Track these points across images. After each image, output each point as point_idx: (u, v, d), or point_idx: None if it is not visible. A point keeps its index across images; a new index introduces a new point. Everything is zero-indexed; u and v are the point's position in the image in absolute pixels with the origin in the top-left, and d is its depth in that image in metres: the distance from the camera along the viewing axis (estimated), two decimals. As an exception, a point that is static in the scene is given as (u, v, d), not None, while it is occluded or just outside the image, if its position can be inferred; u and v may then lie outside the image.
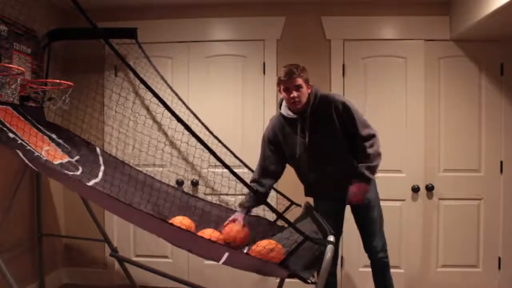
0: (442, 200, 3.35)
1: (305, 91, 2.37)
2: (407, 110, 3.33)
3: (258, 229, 2.42)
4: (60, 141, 2.68)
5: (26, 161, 2.12)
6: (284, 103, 2.51)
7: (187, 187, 3.45)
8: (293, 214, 2.45)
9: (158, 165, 3.42)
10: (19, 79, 2.71)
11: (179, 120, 1.63)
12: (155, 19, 3.49)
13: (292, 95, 2.33)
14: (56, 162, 2.30)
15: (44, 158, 2.26)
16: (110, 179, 2.43)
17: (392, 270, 3.29)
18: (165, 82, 3.30)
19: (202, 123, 3.16)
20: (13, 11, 2.79)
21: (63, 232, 3.60)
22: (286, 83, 2.34)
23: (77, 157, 2.57)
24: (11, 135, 2.32)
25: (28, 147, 2.28)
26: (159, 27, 3.48)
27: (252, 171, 2.90)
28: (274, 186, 2.72)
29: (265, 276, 1.80)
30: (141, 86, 3.45)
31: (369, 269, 2.63)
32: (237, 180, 1.64)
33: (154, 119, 3.52)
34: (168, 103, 1.67)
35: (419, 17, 3.32)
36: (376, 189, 2.58)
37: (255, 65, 3.46)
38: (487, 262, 3.33)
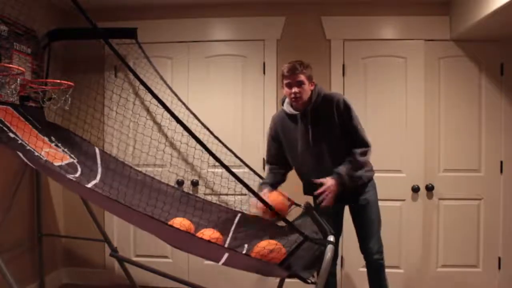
0: (442, 200, 3.35)
1: (307, 88, 2.38)
2: (407, 110, 3.33)
3: (258, 229, 2.42)
4: (60, 142, 2.68)
5: (26, 160, 2.12)
6: (286, 100, 2.52)
7: (187, 187, 3.45)
8: (293, 214, 2.45)
9: (158, 165, 3.42)
10: (19, 79, 2.71)
11: (178, 121, 1.63)
12: (155, 19, 3.49)
13: (293, 91, 2.35)
14: (56, 163, 2.30)
15: (44, 159, 2.26)
16: (109, 181, 2.42)
17: (392, 270, 3.32)
18: (165, 82, 3.30)
19: (202, 123, 3.17)
20: (13, 11, 2.79)
21: (63, 232, 3.60)
22: (288, 78, 2.36)
23: (76, 158, 2.57)
24: (11, 135, 2.33)
25: (28, 147, 2.28)
26: (159, 27, 3.48)
27: (253, 170, 2.90)
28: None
29: (265, 276, 1.80)
30: (141, 86, 3.47)
31: (369, 269, 2.63)
32: (236, 181, 1.64)
33: (154, 120, 3.52)
34: (168, 103, 1.68)
35: (419, 17, 3.32)
36: (376, 191, 2.58)
37: (255, 65, 3.46)
38: (487, 262, 3.33)
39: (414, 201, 3.33)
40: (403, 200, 3.33)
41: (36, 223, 3.19)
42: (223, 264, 1.69)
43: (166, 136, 3.49)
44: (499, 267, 3.32)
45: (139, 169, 2.90)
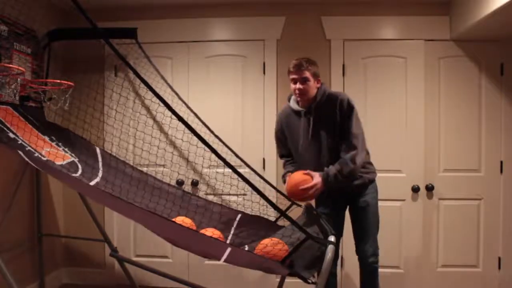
0: (442, 200, 3.35)
1: (312, 84, 2.40)
2: (407, 110, 3.33)
3: (259, 228, 2.42)
4: (60, 141, 2.68)
5: (27, 159, 2.12)
6: (293, 96, 2.55)
7: (187, 187, 3.45)
8: (294, 215, 2.44)
9: (159, 164, 3.42)
10: (19, 79, 2.71)
11: (180, 118, 1.63)
12: (155, 19, 3.49)
13: (297, 87, 2.39)
14: (58, 162, 2.30)
15: (45, 158, 2.26)
16: (111, 179, 2.43)
17: (392, 270, 3.33)
18: (165, 81, 3.30)
19: (203, 123, 3.16)
20: (13, 11, 2.79)
21: (63, 232, 3.60)
22: (294, 74, 2.40)
23: (77, 158, 2.57)
24: (11, 135, 2.33)
25: (28, 148, 2.28)
26: (159, 27, 3.48)
27: (253, 170, 2.91)
28: (275, 185, 2.74)
29: (266, 273, 1.80)
30: (142, 86, 3.47)
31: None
32: (239, 179, 1.65)
33: (154, 119, 3.52)
34: (168, 103, 1.67)
35: (419, 17, 3.32)
36: (377, 194, 2.59)
37: (255, 65, 3.46)
38: (487, 262, 3.33)
39: (414, 201, 3.33)
40: (403, 200, 3.34)
41: (36, 223, 3.18)
42: (225, 261, 1.68)
43: (167, 135, 3.49)
44: (499, 267, 3.32)
45: (140, 168, 2.90)
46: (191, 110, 3.23)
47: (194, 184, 3.47)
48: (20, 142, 2.30)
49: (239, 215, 2.63)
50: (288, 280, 2.50)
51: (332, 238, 1.77)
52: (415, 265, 3.34)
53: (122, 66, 3.50)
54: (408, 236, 3.34)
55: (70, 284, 3.59)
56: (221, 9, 3.45)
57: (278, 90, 3.43)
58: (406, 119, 3.33)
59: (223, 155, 1.70)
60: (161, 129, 3.51)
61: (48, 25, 3.19)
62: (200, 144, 1.68)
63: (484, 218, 3.33)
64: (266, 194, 1.74)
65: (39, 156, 2.26)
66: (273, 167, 3.42)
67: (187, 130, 1.68)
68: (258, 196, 1.70)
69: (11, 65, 2.62)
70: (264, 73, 3.45)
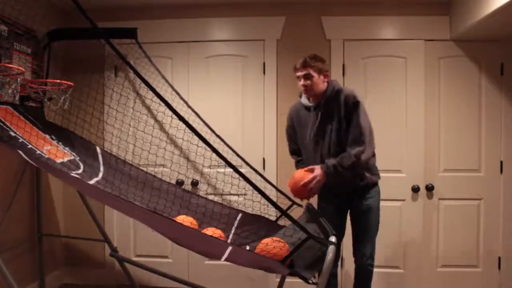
0: (442, 200, 3.35)
1: (317, 80, 2.43)
2: (407, 110, 3.33)
3: (260, 228, 2.42)
4: (61, 141, 2.68)
5: (27, 159, 2.12)
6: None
7: (187, 186, 3.45)
8: (295, 214, 2.45)
9: (159, 164, 3.41)
10: (19, 79, 2.71)
11: (182, 119, 1.63)
12: (155, 19, 3.49)
13: (301, 83, 2.45)
14: (58, 161, 2.30)
15: (46, 157, 2.26)
16: (111, 178, 2.44)
17: (392, 270, 3.34)
18: (166, 81, 3.30)
19: (205, 122, 3.16)
20: (13, 11, 2.79)
21: (63, 232, 3.59)
22: (297, 72, 2.46)
23: (78, 157, 2.57)
24: (12, 134, 2.32)
25: (30, 146, 2.28)
26: (159, 27, 3.48)
27: (254, 170, 2.91)
28: (275, 185, 2.74)
29: (267, 272, 1.80)
30: (142, 86, 3.48)
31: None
32: (240, 179, 1.65)
33: (155, 119, 3.52)
34: (169, 102, 1.67)
35: (419, 17, 3.32)
36: (379, 197, 2.60)
37: (255, 65, 3.46)
38: (487, 262, 3.33)
39: (414, 201, 3.33)
40: (403, 200, 3.34)
41: (36, 223, 3.18)
42: (226, 259, 1.68)
43: (167, 134, 3.49)
44: (499, 267, 3.32)
45: (140, 168, 2.90)
46: (193, 110, 3.23)
47: (194, 184, 3.47)
48: (21, 140, 2.30)
49: (240, 215, 2.63)
50: (288, 280, 2.50)
51: (333, 239, 1.77)
52: (415, 265, 3.34)
53: (122, 66, 3.50)
54: (408, 236, 3.34)
55: (70, 284, 3.58)
56: (221, 9, 3.45)
57: (278, 90, 3.43)
58: (406, 119, 3.33)
59: (224, 155, 1.70)
60: (161, 128, 3.51)
61: (48, 25, 3.19)
62: (201, 143, 1.68)
63: (484, 218, 3.33)
64: (267, 193, 1.75)
65: (40, 154, 2.26)
66: (273, 167, 3.42)
67: (187, 130, 1.69)
68: (259, 196, 1.70)
69: (11, 65, 2.62)
70: (264, 73, 3.45)
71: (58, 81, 2.99)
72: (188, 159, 3.48)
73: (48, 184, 3.42)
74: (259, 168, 3.31)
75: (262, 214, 2.68)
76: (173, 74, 3.51)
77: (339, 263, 3.14)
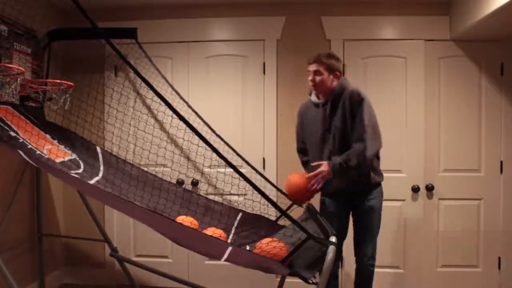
0: (442, 200, 3.35)
1: (326, 78, 2.46)
2: (407, 110, 3.33)
3: (260, 228, 2.42)
4: (61, 141, 2.68)
5: (27, 159, 2.12)
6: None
7: (187, 186, 3.45)
8: (295, 214, 2.45)
9: (160, 164, 3.41)
10: (19, 79, 2.71)
11: (182, 119, 1.63)
12: (155, 19, 3.49)
13: (310, 79, 2.50)
14: (58, 160, 2.30)
15: (46, 157, 2.26)
16: (112, 178, 2.44)
17: (392, 270, 3.34)
18: (166, 81, 3.29)
19: (205, 122, 3.16)
20: (13, 11, 2.79)
21: (63, 232, 3.59)
22: (308, 66, 2.52)
23: (78, 156, 2.57)
24: (12, 133, 2.32)
25: (30, 146, 2.28)
26: (159, 27, 3.48)
27: (255, 169, 2.91)
28: (275, 185, 2.75)
29: (266, 273, 1.80)
30: (142, 85, 3.48)
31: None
32: (240, 179, 1.65)
33: (155, 118, 3.52)
34: (169, 102, 1.67)
35: (419, 17, 3.32)
36: (382, 198, 2.60)
37: (255, 65, 3.46)
38: (487, 262, 3.33)
39: (414, 201, 3.33)
40: (403, 200, 3.34)
41: (36, 223, 3.18)
42: (226, 260, 1.68)
43: (167, 134, 3.49)
44: (499, 267, 3.32)
45: (140, 168, 2.90)
46: (193, 110, 3.23)
47: (194, 183, 3.47)
48: (21, 140, 2.30)
49: (240, 214, 2.64)
50: (288, 280, 2.50)
51: (333, 239, 1.77)
52: (415, 265, 3.34)
53: (123, 66, 3.50)
54: (408, 236, 3.34)
55: (70, 284, 3.58)
56: (221, 9, 3.45)
57: (278, 90, 3.43)
58: (406, 119, 3.33)
59: (224, 155, 1.70)
60: (162, 128, 3.51)
61: (48, 25, 3.19)
62: (201, 143, 1.68)
63: (484, 218, 3.33)
64: (267, 193, 1.75)
65: (40, 154, 2.26)
66: (273, 167, 3.42)
67: (188, 130, 1.69)
68: (259, 196, 1.70)
69: (11, 65, 2.62)
70: (264, 73, 3.45)
71: (58, 81, 2.99)
72: (188, 158, 3.48)
73: (48, 184, 3.42)
74: (259, 168, 3.30)
75: (262, 214, 2.68)
76: (173, 74, 3.51)
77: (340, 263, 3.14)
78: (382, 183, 2.60)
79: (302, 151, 2.78)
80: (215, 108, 3.45)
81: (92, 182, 2.28)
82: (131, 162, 2.96)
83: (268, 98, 3.44)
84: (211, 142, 1.72)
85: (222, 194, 3.43)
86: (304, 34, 3.41)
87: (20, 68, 2.50)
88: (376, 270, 2.64)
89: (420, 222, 3.33)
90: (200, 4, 3.44)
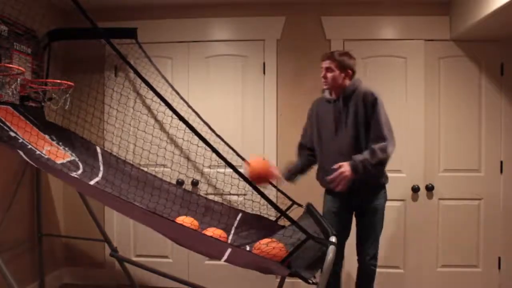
0: (442, 200, 3.35)
1: (337, 75, 2.49)
2: (407, 110, 3.33)
3: (260, 228, 2.42)
4: (61, 141, 2.68)
5: (27, 159, 2.12)
6: None
7: (187, 186, 3.45)
8: (294, 215, 2.45)
9: (160, 164, 3.42)
10: (19, 79, 2.71)
11: (182, 119, 1.63)
12: (155, 19, 3.49)
13: (321, 75, 2.53)
14: (58, 161, 2.30)
15: (46, 157, 2.26)
16: (112, 179, 2.44)
17: (392, 270, 3.34)
18: (166, 81, 3.29)
19: (205, 122, 3.16)
20: (13, 11, 2.79)
21: (63, 232, 3.59)
22: (321, 62, 2.55)
23: (77, 157, 2.57)
24: (12, 134, 2.32)
25: (30, 146, 2.28)
26: (159, 27, 3.48)
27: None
28: (275, 185, 2.74)
29: (266, 274, 1.80)
30: (142, 85, 3.48)
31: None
32: (240, 179, 1.65)
33: (155, 118, 3.52)
34: (169, 102, 1.67)
35: (419, 17, 3.32)
36: (386, 200, 2.61)
37: (255, 65, 3.46)
38: (487, 262, 3.33)
39: (414, 201, 3.33)
40: (403, 200, 3.34)
41: (36, 223, 3.18)
42: (226, 260, 1.68)
43: (167, 134, 3.49)
44: (499, 267, 3.32)
45: (140, 168, 2.90)
46: (193, 110, 3.23)
47: (194, 184, 3.47)
48: (20, 141, 2.30)
49: (240, 215, 2.64)
50: (288, 280, 2.50)
51: (333, 239, 1.77)
52: (415, 265, 3.34)
53: (123, 66, 3.50)
54: (408, 236, 3.34)
55: (70, 284, 3.58)
56: (221, 9, 3.45)
57: (278, 90, 3.43)
58: (406, 119, 3.33)
59: (224, 155, 1.70)
60: (162, 128, 3.51)
61: (48, 25, 3.19)
62: (201, 143, 1.68)
63: (484, 218, 3.33)
64: (266, 194, 1.74)
65: (40, 155, 2.26)
66: (273, 167, 3.42)
67: (187, 130, 1.69)
68: (259, 196, 1.70)
69: (11, 65, 2.62)
70: (264, 73, 3.45)
71: (58, 81, 2.99)
72: (188, 159, 3.48)
73: (48, 184, 3.42)
74: (259, 168, 3.30)
75: (262, 214, 2.68)
76: (173, 74, 3.51)
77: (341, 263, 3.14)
78: (387, 185, 2.60)
79: (301, 147, 2.78)
80: (215, 108, 3.45)
81: (92, 183, 2.28)
82: (131, 162, 2.96)
83: (268, 98, 3.44)
84: (211, 142, 1.72)
85: (222, 194, 3.43)
86: (304, 34, 3.41)
87: (20, 68, 2.50)
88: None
89: (420, 222, 3.33)
90: (200, 4, 3.44)
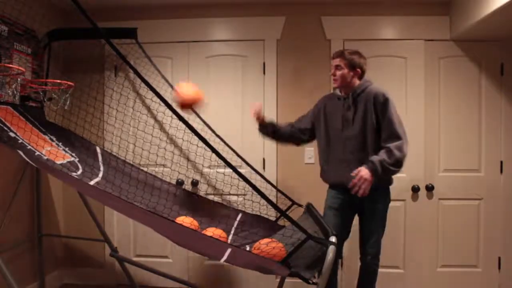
0: (442, 200, 3.35)
1: (346, 73, 2.52)
2: (407, 110, 3.33)
3: (259, 228, 2.43)
4: (61, 141, 2.68)
5: (27, 159, 2.12)
6: None
7: (187, 187, 3.45)
8: (294, 215, 2.45)
9: (159, 164, 3.42)
10: (19, 79, 2.70)
11: (182, 119, 1.63)
12: (155, 19, 3.49)
13: (331, 72, 2.59)
14: (58, 162, 2.30)
15: (45, 157, 2.26)
16: (112, 179, 2.44)
17: (392, 270, 3.34)
18: (166, 81, 3.29)
19: (205, 122, 3.16)
20: (13, 11, 2.79)
21: (63, 232, 3.59)
22: (331, 60, 2.61)
23: (77, 157, 2.57)
24: (12, 134, 2.32)
25: (29, 147, 2.28)
26: (159, 27, 3.48)
27: (255, 170, 2.92)
28: (275, 185, 2.74)
29: (266, 274, 1.80)
30: (142, 85, 3.48)
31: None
32: (240, 179, 1.65)
33: (155, 118, 3.52)
34: (169, 102, 1.68)
35: (419, 17, 3.32)
36: (389, 199, 2.61)
37: (255, 65, 3.46)
38: (487, 262, 3.33)
39: (414, 201, 3.34)
40: (403, 200, 3.34)
41: (36, 223, 3.18)
42: (225, 261, 1.69)
43: (167, 134, 3.49)
44: (499, 267, 3.32)
45: (140, 168, 2.90)
46: (193, 110, 3.22)
47: (194, 184, 3.47)
48: (20, 141, 2.30)
49: (240, 215, 2.64)
50: (288, 280, 2.50)
51: (333, 239, 1.77)
52: (415, 265, 3.34)
53: (123, 66, 3.50)
54: (408, 236, 3.34)
55: (70, 284, 3.58)
56: (221, 9, 3.45)
57: (278, 90, 3.43)
58: (406, 119, 3.31)
59: (224, 155, 1.70)
60: (161, 128, 3.51)
61: (48, 25, 3.19)
62: (201, 143, 1.68)
63: (484, 218, 3.33)
64: (267, 194, 1.75)
65: (40, 155, 2.26)
66: (273, 167, 3.42)
67: (187, 130, 1.69)
68: (258, 196, 1.70)
69: (11, 65, 2.62)
70: (264, 73, 3.45)
71: (58, 81, 2.98)
72: (188, 159, 3.48)
73: (48, 184, 3.42)
74: (259, 168, 3.31)
75: (262, 214, 2.68)
76: (173, 74, 3.51)
77: (339, 262, 3.14)
78: (391, 186, 2.61)
79: (294, 124, 2.80)
80: (215, 108, 3.45)
81: (91, 183, 2.28)
82: (131, 162, 2.96)
83: (268, 98, 3.44)
84: (211, 143, 1.72)
85: (222, 195, 3.43)
86: (304, 34, 3.41)
87: (20, 68, 2.50)
88: (376, 270, 2.64)
89: (420, 222, 3.33)
90: (200, 4, 3.44)
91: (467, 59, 3.32)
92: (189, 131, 1.68)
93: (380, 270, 2.65)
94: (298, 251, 1.75)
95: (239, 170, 1.72)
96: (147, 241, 3.53)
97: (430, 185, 3.32)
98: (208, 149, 1.69)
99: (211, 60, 3.50)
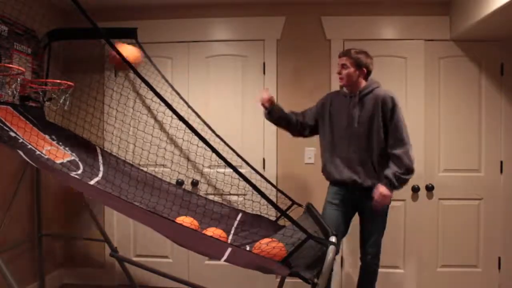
0: (442, 200, 3.35)
1: (352, 72, 2.52)
2: (407, 110, 3.32)
3: (260, 228, 2.42)
4: (61, 141, 2.68)
5: (27, 159, 2.12)
6: None
7: (187, 187, 3.45)
8: (294, 215, 2.45)
9: (159, 164, 3.42)
10: (19, 79, 2.70)
11: (182, 119, 1.63)
12: (155, 19, 3.49)
13: (337, 71, 2.60)
14: (58, 161, 2.30)
15: (45, 157, 2.26)
16: (112, 178, 2.44)
17: (392, 270, 3.34)
18: (166, 81, 3.29)
19: (205, 122, 3.16)
20: (13, 11, 2.79)
21: (63, 232, 3.59)
22: (338, 59, 2.61)
23: (77, 157, 2.57)
24: (12, 134, 2.32)
25: (29, 146, 2.28)
26: (159, 27, 3.48)
27: (255, 170, 2.91)
28: (275, 185, 2.74)
29: (266, 273, 1.80)
30: (142, 85, 3.48)
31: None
32: (240, 179, 1.65)
33: (155, 118, 3.52)
34: (169, 102, 1.67)
35: (419, 17, 3.32)
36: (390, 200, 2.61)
37: (255, 65, 3.46)
38: (487, 262, 3.33)
39: (414, 201, 3.34)
40: (403, 200, 3.33)
41: (36, 223, 3.18)
42: (225, 260, 1.68)
43: (167, 134, 3.49)
44: (499, 267, 3.32)
45: (140, 168, 2.90)
46: (193, 110, 3.23)
47: (194, 184, 3.47)
48: (20, 141, 2.30)
49: (240, 215, 2.64)
50: (288, 280, 2.51)
51: (333, 239, 1.77)
52: (415, 265, 3.34)
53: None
54: (408, 236, 3.34)
55: (70, 284, 3.58)
56: (221, 9, 3.45)
57: (278, 90, 3.43)
58: (406, 119, 3.30)
59: (224, 155, 1.70)
60: (161, 128, 3.51)
61: (48, 25, 3.19)
62: (201, 143, 1.68)
63: (484, 218, 3.33)
64: (267, 194, 1.74)
65: (40, 155, 2.26)
66: (273, 167, 3.42)
67: (187, 130, 1.69)
68: (259, 196, 1.70)
69: (11, 65, 2.62)
70: (264, 73, 3.45)
71: (58, 81, 2.98)
72: (188, 159, 3.48)
73: (48, 184, 3.42)
74: (259, 168, 3.31)
75: (262, 214, 2.68)
76: (173, 74, 3.51)
77: (339, 262, 3.14)
78: None
79: (297, 118, 2.75)
80: (215, 108, 3.45)
81: (91, 183, 2.28)
82: (131, 162, 2.96)
83: (268, 98, 3.43)
84: (211, 142, 1.72)
85: (222, 194, 3.43)
86: (304, 34, 3.41)
87: (20, 68, 2.50)
88: (376, 270, 2.65)
89: (420, 222, 3.33)
90: (200, 4, 3.44)
91: (467, 59, 3.32)
92: (189, 131, 1.68)
93: (380, 270, 2.66)
94: (298, 251, 1.75)
95: (240, 170, 1.72)
96: (147, 241, 3.53)
97: (430, 185, 3.32)
98: (208, 149, 1.68)
99: (211, 60, 3.50)
